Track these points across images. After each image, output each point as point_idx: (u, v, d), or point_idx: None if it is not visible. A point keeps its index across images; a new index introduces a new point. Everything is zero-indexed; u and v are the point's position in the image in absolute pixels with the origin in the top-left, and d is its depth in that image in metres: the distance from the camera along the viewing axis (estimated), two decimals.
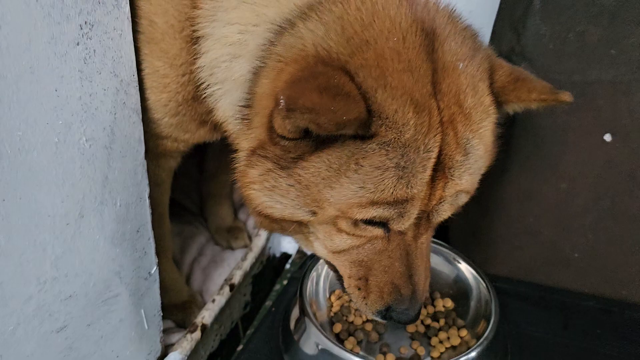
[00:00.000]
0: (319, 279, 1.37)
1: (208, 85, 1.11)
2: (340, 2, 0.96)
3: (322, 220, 1.01)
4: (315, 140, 0.94)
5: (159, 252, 1.53)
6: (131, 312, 1.22)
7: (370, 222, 0.99)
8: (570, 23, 1.19)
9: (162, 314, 1.36)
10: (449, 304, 1.36)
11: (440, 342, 1.27)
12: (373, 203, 0.94)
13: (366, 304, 1.07)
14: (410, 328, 1.32)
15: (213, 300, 1.59)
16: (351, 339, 1.28)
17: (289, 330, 1.29)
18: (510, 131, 1.34)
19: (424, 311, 1.35)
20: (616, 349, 1.30)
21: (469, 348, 1.19)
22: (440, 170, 0.96)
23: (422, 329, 1.32)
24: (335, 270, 1.17)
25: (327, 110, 0.82)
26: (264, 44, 1.01)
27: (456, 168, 0.98)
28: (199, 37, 1.09)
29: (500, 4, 1.38)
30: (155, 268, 1.28)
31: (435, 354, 1.25)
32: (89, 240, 1.03)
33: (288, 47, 0.96)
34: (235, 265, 1.76)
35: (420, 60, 0.94)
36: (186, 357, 1.41)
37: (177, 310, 1.60)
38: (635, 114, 1.23)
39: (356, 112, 0.85)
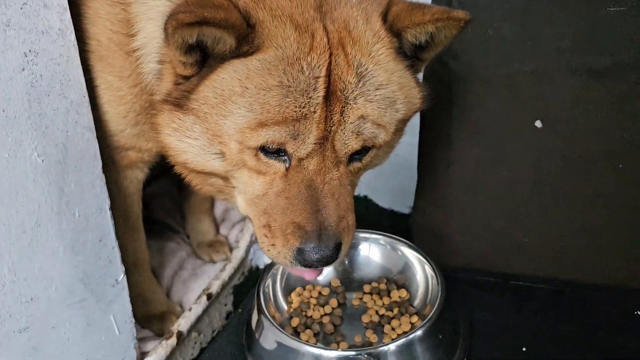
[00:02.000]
0: (276, 277, 1.44)
1: (147, 66, 1.17)
2: None
3: (231, 161, 1.03)
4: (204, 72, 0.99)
5: (135, 264, 1.64)
6: (99, 317, 1.30)
7: (267, 151, 1.00)
8: (489, 20, 1.28)
9: (134, 321, 1.44)
10: (404, 294, 1.41)
11: (393, 329, 1.33)
12: (262, 125, 0.96)
13: (278, 252, 1.04)
14: (365, 318, 1.38)
15: (190, 309, 1.67)
16: (308, 331, 1.35)
17: (251, 329, 1.36)
18: (449, 124, 1.41)
19: (379, 302, 1.42)
20: (565, 329, 1.34)
21: None
22: (333, 92, 0.98)
23: (376, 318, 1.38)
24: None
25: (188, 10, 0.88)
26: None
27: (350, 91, 0.99)
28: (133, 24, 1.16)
29: None
30: (122, 276, 1.37)
31: (387, 340, 1.31)
32: (47, 248, 1.13)
33: None
34: (214, 276, 1.84)
35: None
36: None
37: (156, 320, 1.68)
38: (559, 101, 1.30)
39: (223, 15, 0.90)
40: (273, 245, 1.05)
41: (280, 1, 0.98)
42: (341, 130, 1.00)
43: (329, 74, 0.97)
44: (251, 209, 1.09)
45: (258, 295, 1.35)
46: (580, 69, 1.25)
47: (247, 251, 2.00)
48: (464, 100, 1.36)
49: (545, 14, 1.23)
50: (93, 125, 1.22)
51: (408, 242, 1.45)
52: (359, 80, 0.99)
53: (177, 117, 1.05)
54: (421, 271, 1.41)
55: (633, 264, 1.39)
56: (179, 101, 1.04)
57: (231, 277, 1.87)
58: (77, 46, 1.15)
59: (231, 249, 2.01)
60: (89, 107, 1.20)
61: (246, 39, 0.95)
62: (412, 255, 1.44)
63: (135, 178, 1.47)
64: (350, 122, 1.00)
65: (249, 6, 0.97)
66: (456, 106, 1.37)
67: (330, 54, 0.97)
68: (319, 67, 0.96)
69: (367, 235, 1.49)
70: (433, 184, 1.52)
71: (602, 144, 1.31)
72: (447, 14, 1.03)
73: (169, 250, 1.94)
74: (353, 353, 1.21)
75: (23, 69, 1.02)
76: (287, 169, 1.02)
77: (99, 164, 1.25)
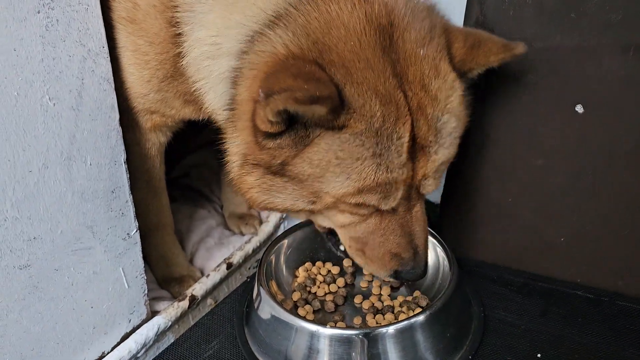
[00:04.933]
0: (281, 251, 1.41)
1: (195, 81, 1.23)
2: (302, 13, 1.07)
3: (322, 206, 1.11)
4: (295, 140, 1.04)
5: (157, 226, 1.67)
6: (107, 268, 1.33)
7: (362, 204, 1.09)
8: None
9: (145, 278, 1.45)
10: (424, 302, 1.30)
11: (390, 321, 1.25)
12: (360, 191, 1.05)
13: (374, 270, 1.19)
14: (366, 304, 1.32)
15: (207, 275, 1.68)
16: (307, 307, 1.30)
17: (251, 299, 1.34)
18: (482, 107, 1.30)
19: (386, 289, 1.34)
20: (591, 340, 1.20)
21: None
22: (419, 150, 1.06)
23: (379, 305, 1.31)
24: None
25: (301, 88, 0.92)
26: (238, 49, 1.12)
27: (431, 146, 1.07)
28: (179, 22, 1.20)
29: None
30: (135, 231, 1.39)
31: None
32: (55, 191, 1.15)
33: (259, 54, 1.08)
34: (238, 247, 1.84)
35: (377, 58, 1.03)
36: (170, 323, 1.49)
37: (175, 282, 1.70)
38: (605, 82, 1.15)
39: (328, 92, 0.95)
40: (367, 264, 1.20)
41: (364, 74, 1.01)
42: (425, 179, 1.10)
43: (412, 136, 1.05)
44: (340, 232, 1.22)
45: (260, 266, 1.32)
46: (631, 47, 1.10)
47: (277, 227, 1.98)
48: (497, 77, 1.25)
49: None
50: (111, 77, 1.23)
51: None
52: (437, 134, 1.08)
53: (269, 179, 1.10)
54: (433, 255, 1.31)
55: None
56: (272, 169, 1.08)
57: (255, 250, 1.85)
58: None
59: (261, 223, 2.00)
60: (108, 58, 1.22)
61: (338, 113, 1.00)
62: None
63: (157, 141, 1.49)
64: (432, 171, 1.10)
65: (338, 80, 1.01)
66: (489, 84, 1.26)
67: (412, 119, 1.04)
68: (404, 134, 1.03)
69: None
70: (462, 169, 1.42)
71: None
72: (510, 52, 1.12)
73: (199, 217, 1.96)
74: (348, 332, 1.15)
75: (38, 12, 1.05)
76: (379, 212, 1.14)
77: (116, 115, 1.27)
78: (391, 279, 1.19)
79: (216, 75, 1.17)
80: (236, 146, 1.13)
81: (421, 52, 1.06)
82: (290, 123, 1.02)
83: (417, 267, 1.16)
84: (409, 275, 1.16)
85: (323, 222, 1.24)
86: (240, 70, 1.10)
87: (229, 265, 1.73)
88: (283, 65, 1.00)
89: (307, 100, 0.93)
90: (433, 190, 1.14)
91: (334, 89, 0.97)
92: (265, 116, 0.98)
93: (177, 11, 1.19)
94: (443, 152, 1.09)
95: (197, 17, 1.17)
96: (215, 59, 1.17)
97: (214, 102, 1.22)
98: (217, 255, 1.85)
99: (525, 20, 1.18)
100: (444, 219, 1.55)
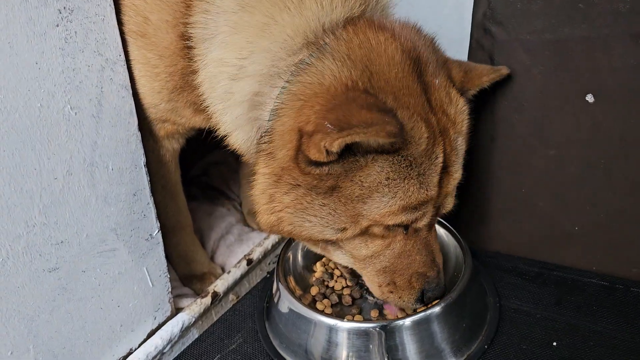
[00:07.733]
0: (297, 248, 1.44)
1: (207, 97, 1.25)
2: (343, 41, 1.11)
3: (353, 233, 1.12)
4: (345, 166, 1.07)
5: (175, 226, 1.71)
6: (131, 268, 1.38)
7: (398, 225, 1.13)
8: None
9: (169, 276, 1.50)
10: None
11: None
12: (403, 209, 1.08)
13: (404, 301, 1.19)
14: None
15: (228, 272, 1.72)
16: (325, 301, 1.34)
17: (271, 294, 1.37)
18: (493, 99, 1.31)
19: None
20: (609, 326, 1.21)
21: None
22: (444, 170, 1.13)
23: None
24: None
25: (383, 122, 0.96)
26: (263, 73, 1.15)
27: (453, 166, 1.15)
28: (192, 37, 1.22)
29: None
30: (157, 232, 1.43)
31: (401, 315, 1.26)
32: (79, 196, 1.20)
33: (306, 85, 1.09)
34: (257, 243, 1.88)
35: (415, 84, 1.10)
36: (194, 319, 1.54)
37: (196, 280, 1.75)
38: (615, 72, 1.15)
39: (398, 125, 0.99)
40: (400, 296, 1.20)
41: (408, 99, 1.07)
42: (446, 198, 1.17)
43: (444, 157, 1.12)
44: (363, 271, 1.22)
45: (279, 263, 1.35)
46: None
47: None
48: (506, 70, 1.25)
49: None
50: (129, 84, 1.27)
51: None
52: (457, 154, 1.15)
53: (307, 200, 1.11)
54: (449, 248, 1.34)
55: None
56: (318, 190, 1.09)
57: (274, 246, 1.89)
58: (113, 6, 1.20)
59: None
60: (125, 66, 1.26)
61: (395, 140, 1.04)
62: (443, 233, 1.37)
63: (171, 148, 1.54)
64: (452, 190, 1.17)
65: (393, 107, 1.05)
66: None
67: (443, 141, 1.11)
68: (440, 155, 1.10)
69: None
70: (476, 161, 1.43)
71: None
72: (497, 73, 1.26)
73: (218, 215, 2.01)
74: (365, 325, 1.18)
75: (57, 25, 1.09)
76: (405, 233, 1.17)
77: (134, 121, 1.31)
78: (417, 304, 1.19)
79: (236, 98, 1.20)
80: (269, 169, 1.14)
81: (436, 82, 1.14)
82: (342, 152, 1.04)
83: (440, 284, 1.19)
84: (435, 292, 1.18)
85: (341, 258, 1.23)
86: (283, 101, 1.12)
87: (249, 261, 1.77)
88: (347, 98, 1.02)
89: (392, 136, 0.97)
90: (448, 211, 1.20)
91: (399, 121, 1.01)
92: (329, 147, 0.99)
93: (191, 27, 1.21)
94: (459, 170, 1.16)
95: (216, 37, 1.19)
96: (236, 80, 1.19)
97: (229, 124, 1.24)
98: (237, 251, 1.89)
99: (533, 12, 1.18)
100: (459, 210, 1.56)
